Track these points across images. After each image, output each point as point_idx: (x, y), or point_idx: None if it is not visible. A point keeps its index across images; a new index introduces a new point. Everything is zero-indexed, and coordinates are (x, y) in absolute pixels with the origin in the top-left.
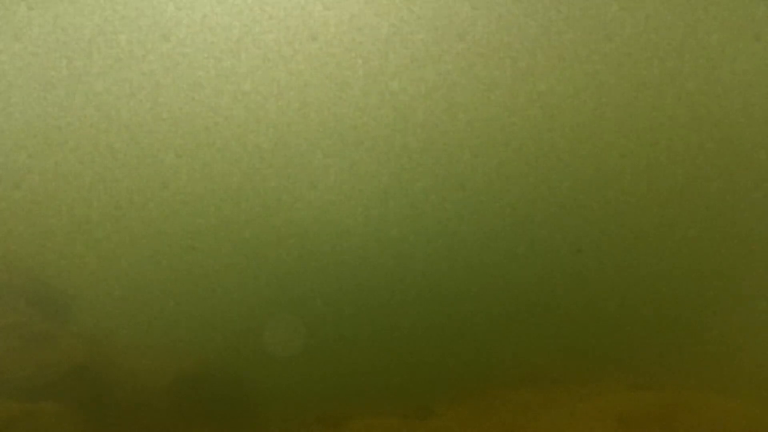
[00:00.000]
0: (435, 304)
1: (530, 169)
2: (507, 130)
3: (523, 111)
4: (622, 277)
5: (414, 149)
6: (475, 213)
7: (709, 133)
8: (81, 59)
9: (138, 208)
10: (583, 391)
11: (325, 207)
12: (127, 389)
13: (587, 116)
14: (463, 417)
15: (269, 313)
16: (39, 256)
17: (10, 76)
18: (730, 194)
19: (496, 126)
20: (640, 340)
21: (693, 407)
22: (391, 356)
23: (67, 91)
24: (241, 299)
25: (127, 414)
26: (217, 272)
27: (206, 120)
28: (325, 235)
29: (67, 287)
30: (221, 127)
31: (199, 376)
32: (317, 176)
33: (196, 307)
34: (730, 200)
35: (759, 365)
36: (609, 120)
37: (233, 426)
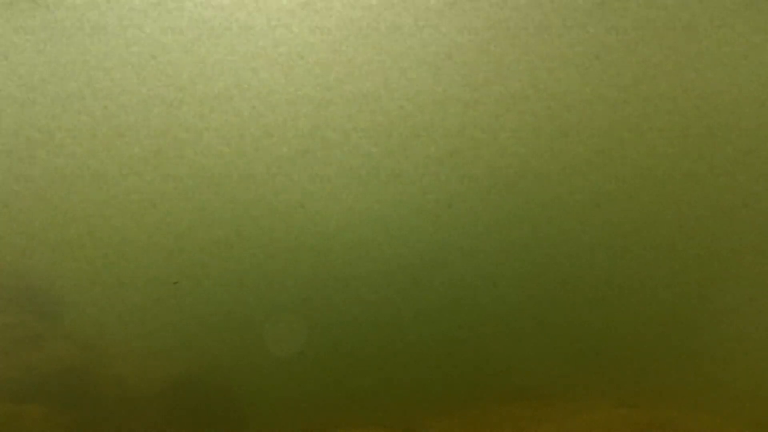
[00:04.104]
0: (424, 317)
1: (532, 182)
2: (518, 136)
3: (537, 117)
4: (609, 295)
5: (420, 156)
6: (466, 229)
7: (722, 142)
8: (78, 62)
9: (131, 212)
10: (571, 407)
11: (320, 215)
12: (115, 393)
13: (599, 124)
14: (450, 431)
15: (260, 321)
16: (29, 258)
17: (5, 78)
18: (727, 213)
19: (509, 133)
20: (627, 358)
21: (678, 425)
22: (379, 368)
23: (62, 93)
24: (232, 306)
25: (115, 418)
26: (210, 278)
27: (205, 123)
28: (317, 246)
29: (57, 289)
30: (220, 129)
31: (188, 382)
32: (317, 182)
33: (187, 313)
34: (724, 220)
35: (744, 384)
36: (622, 128)
37: None
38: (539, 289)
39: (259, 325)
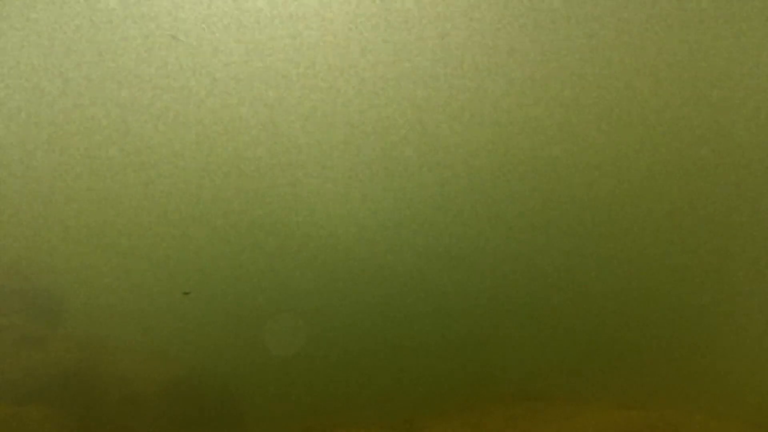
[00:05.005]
0: (425, 319)
1: (533, 185)
2: (521, 139)
3: (532, 116)
4: (610, 297)
5: (418, 156)
6: (469, 230)
7: (716, 143)
8: (80, 64)
9: (133, 214)
10: (571, 408)
11: (319, 220)
12: (116, 394)
13: (600, 124)
14: (450, 430)
15: (262, 322)
16: (32, 260)
17: (8, 81)
18: (728, 215)
19: (511, 135)
20: (627, 360)
21: (676, 426)
22: (380, 369)
23: (65, 96)
24: (233, 308)
25: (116, 419)
26: (210, 280)
27: (203, 124)
28: (318, 250)
29: (59, 291)
30: (219, 131)
31: (189, 383)
32: (316, 182)
33: (188, 314)
34: (724, 221)
35: (743, 386)
36: (623, 128)
37: None
38: (541, 291)
39: (261, 327)
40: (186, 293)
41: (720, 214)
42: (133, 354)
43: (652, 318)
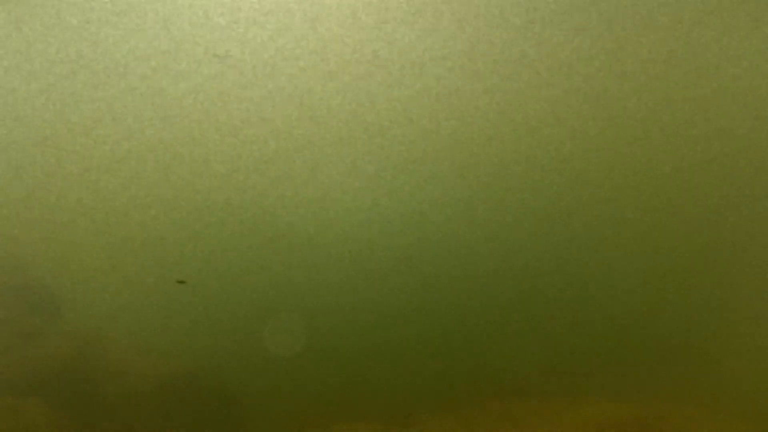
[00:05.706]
0: (421, 313)
1: (531, 183)
2: (517, 138)
3: (538, 117)
4: (605, 293)
5: (418, 157)
6: (464, 229)
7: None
8: (81, 59)
9: (131, 208)
10: (564, 402)
11: (320, 217)
12: (113, 389)
13: (599, 125)
14: (446, 426)
15: (259, 319)
16: (30, 254)
17: (11, 77)
18: (726, 213)
19: (507, 134)
20: (621, 354)
21: (668, 419)
22: (377, 364)
23: (64, 92)
24: (231, 304)
25: (113, 414)
26: (209, 276)
27: (202, 121)
28: (319, 244)
29: (57, 285)
30: (217, 127)
31: (187, 379)
32: (318, 178)
33: (186, 311)
34: (722, 220)
35: (736, 379)
36: (621, 129)
37: (219, 430)
38: (535, 287)
39: (259, 324)
40: (181, 282)
41: (718, 213)
42: (132, 349)
43: (647, 313)
